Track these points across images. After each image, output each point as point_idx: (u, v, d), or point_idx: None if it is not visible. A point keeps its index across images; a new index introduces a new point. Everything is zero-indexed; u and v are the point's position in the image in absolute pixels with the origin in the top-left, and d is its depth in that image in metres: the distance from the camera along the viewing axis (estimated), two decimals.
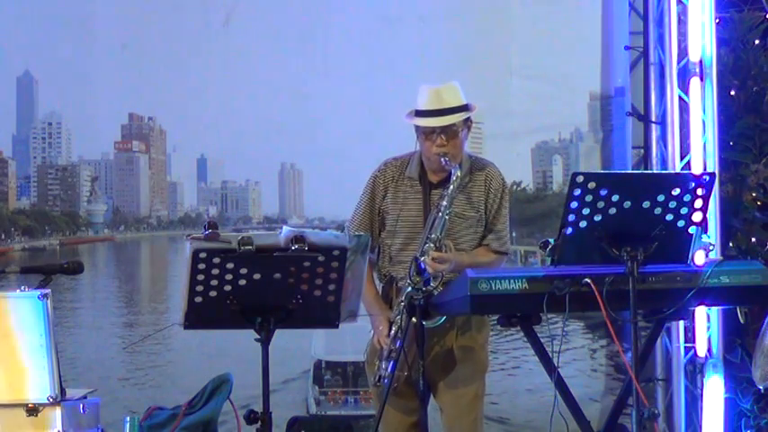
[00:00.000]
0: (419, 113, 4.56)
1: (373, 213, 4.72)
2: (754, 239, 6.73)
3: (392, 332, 4.48)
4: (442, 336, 4.58)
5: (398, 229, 4.66)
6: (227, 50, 7.64)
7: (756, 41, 7.10)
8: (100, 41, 7.67)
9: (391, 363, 4.44)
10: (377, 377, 4.52)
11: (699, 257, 4.03)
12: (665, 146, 6.68)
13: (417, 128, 4.58)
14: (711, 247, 4.14)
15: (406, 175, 4.68)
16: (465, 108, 4.55)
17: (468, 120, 4.59)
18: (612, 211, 3.81)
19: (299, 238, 3.57)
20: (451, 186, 4.46)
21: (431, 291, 4.27)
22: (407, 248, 4.61)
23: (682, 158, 6.59)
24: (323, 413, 7.36)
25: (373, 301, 4.65)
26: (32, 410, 3.81)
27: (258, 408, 3.71)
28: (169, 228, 8.54)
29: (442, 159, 4.49)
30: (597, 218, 3.81)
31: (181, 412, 5.14)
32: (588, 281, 3.85)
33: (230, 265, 3.58)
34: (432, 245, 4.43)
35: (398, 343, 4.41)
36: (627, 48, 7.00)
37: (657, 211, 3.84)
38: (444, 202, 4.45)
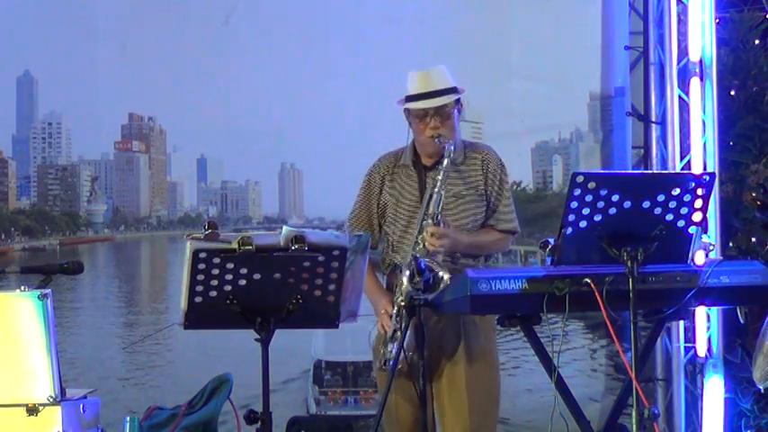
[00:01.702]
0: (410, 98, 4.55)
1: (371, 208, 4.71)
2: (754, 239, 6.72)
3: (394, 312, 4.41)
4: None
5: (399, 216, 4.63)
6: (227, 50, 7.64)
7: (756, 41, 7.11)
8: (100, 41, 7.68)
9: (396, 344, 4.37)
10: (383, 360, 4.45)
11: (699, 257, 4.03)
12: (665, 146, 6.68)
13: (409, 113, 4.57)
14: (711, 247, 4.13)
15: (400, 164, 4.66)
16: (454, 90, 4.55)
17: (458, 101, 4.58)
18: (612, 211, 3.80)
19: (299, 238, 3.57)
20: (446, 161, 4.42)
21: (440, 280, 4.22)
22: (408, 232, 4.58)
23: (682, 158, 6.59)
24: (323, 413, 7.36)
25: (374, 288, 4.60)
26: (32, 410, 3.81)
27: (258, 408, 3.71)
28: (169, 228, 8.54)
29: (436, 140, 4.47)
30: (597, 218, 3.81)
31: (181, 412, 5.13)
32: (588, 281, 3.85)
33: (230, 265, 3.58)
34: (429, 221, 4.40)
35: (402, 323, 4.35)
36: (627, 48, 6.99)
37: (657, 211, 3.84)
38: (439, 177, 4.41)
